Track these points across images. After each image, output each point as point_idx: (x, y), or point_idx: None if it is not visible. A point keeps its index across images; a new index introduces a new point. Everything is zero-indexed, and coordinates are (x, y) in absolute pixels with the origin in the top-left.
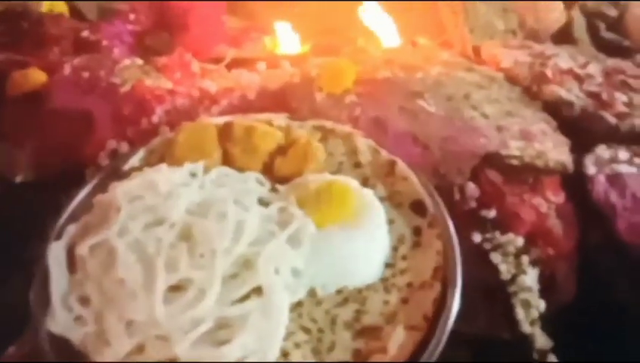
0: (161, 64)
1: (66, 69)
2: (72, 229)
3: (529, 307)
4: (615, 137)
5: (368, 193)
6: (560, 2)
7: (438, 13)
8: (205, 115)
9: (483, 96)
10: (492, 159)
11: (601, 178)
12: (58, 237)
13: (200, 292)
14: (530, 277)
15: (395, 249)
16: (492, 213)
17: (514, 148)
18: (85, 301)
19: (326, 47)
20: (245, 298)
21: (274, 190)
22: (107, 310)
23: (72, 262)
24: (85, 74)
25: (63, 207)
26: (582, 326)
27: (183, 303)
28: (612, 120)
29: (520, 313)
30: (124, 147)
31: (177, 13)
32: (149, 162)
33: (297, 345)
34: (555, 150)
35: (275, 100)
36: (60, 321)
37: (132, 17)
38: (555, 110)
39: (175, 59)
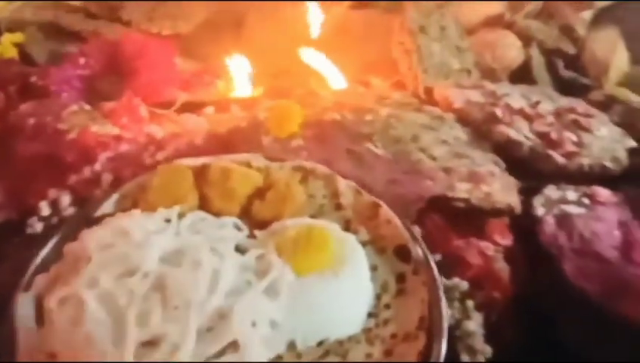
0: (108, 109)
1: (12, 116)
2: (41, 280)
3: (475, 353)
4: (563, 177)
5: (350, 238)
6: (518, 40)
7: (391, 53)
8: (150, 161)
9: (432, 137)
10: (438, 202)
11: (550, 220)
12: (27, 288)
13: (174, 347)
14: (475, 322)
15: (378, 297)
16: (437, 257)
17: (461, 190)
18: (52, 357)
19: (278, 89)
20: (220, 353)
21: (252, 235)
22: None
23: (40, 315)
24: (31, 120)
25: (27, 256)
26: None
27: (156, 360)
28: (560, 160)
29: (465, 358)
30: (65, 196)
31: (128, 57)
32: (122, 207)
33: None
34: (503, 192)
35: (223, 145)
36: None
37: (82, 60)
38: (504, 150)
39: (122, 104)
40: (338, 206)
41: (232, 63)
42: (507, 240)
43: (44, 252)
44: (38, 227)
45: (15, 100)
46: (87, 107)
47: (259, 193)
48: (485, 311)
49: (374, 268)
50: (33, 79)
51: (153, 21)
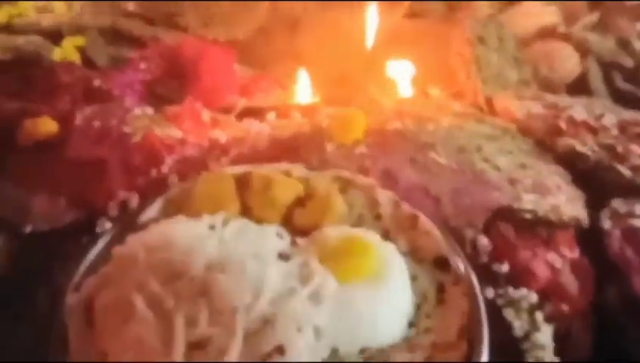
0: (171, 113)
1: (78, 119)
2: (90, 281)
3: None
4: (631, 190)
5: (390, 247)
6: (575, 52)
7: (450, 63)
8: (214, 165)
9: (496, 148)
10: (505, 213)
11: (617, 233)
12: (77, 289)
13: (221, 350)
14: (544, 335)
15: (418, 306)
16: (504, 268)
17: (527, 202)
18: (103, 356)
19: (338, 97)
20: (266, 357)
21: (294, 243)
22: None
23: (90, 316)
24: (97, 123)
25: (81, 258)
26: None
27: (204, 361)
28: (627, 173)
29: None
30: (134, 197)
31: (188, 62)
32: (166, 212)
33: None
34: (569, 204)
35: (285, 150)
36: None
37: (142, 65)
38: (569, 162)
39: (185, 108)
40: (377, 216)
41: (289, 70)
42: (574, 253)
43: (93, 254)
44: (107, 227)
45: (80, 103)
46: (150, 110)
47: (300, 202)
48: (554, 324)
49: (413, 278)
50: (96, 82)
51: (210, 27)
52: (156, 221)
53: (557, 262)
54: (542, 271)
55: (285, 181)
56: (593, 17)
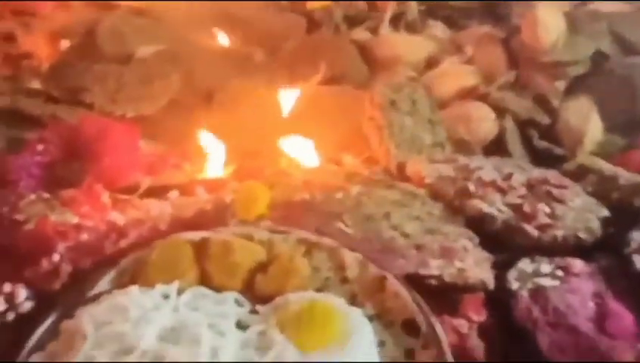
0: (68, 198)
1: None
2: (37, 358)
3: None
4: (537, 249)
5: (356, 312)
6: (492, 112)
7: (363, 128)
8: (111, 250)
9: (404, 214)
10: (411, 281)
11: (524, 294)
12: None
13: None
14: None
15: None
16: None
17: (434, 267)
18: None
19: (248, 170)
20: None
21: (254, 311)
22: None
23: None
24: None
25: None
26: None
27: None
28: (534, 233)
29: None
30: (21, 290)
31: (88, 141)
32: (119, 283)
33: None
34: (477, 267)
35: (188, 230)
36: None
37: (40, 147)
38: (478, 224)
39: (83, 191)
40: (344, 280)
41: (199, 143)
42: (481, 316)
43: (40, 330)
44: None
45: None
46: (46, 195)
47: (262, 266)
48: None
49: (381, 344)
50: None
51: (117, 103)
52: (108, 292)
53: (464, 327)
54: (448, 338)
55: (246, 246)
56: (510, 76)
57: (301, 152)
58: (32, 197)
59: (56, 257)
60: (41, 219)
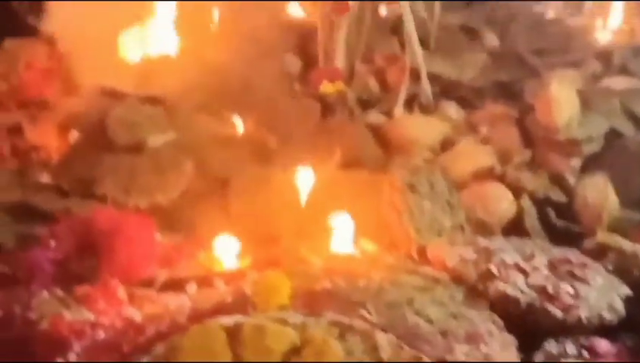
0: (83, 294)
1: None
2: None
3: None
4: (562, 330)
5: None
6: (509, 192)
7: (381, 213)
8: (129, 347)
9: (428, 299)
10: None
11: None
12: None
13: None
14: None
15: None
16: None
17: (460, 353)
18: None
19: (266, 259)
20: None
21: None
22: None
23: None
24: None
25: None
26: None
27: None
28: (559, 314)
29: None
30: None
31: (102, 235)
32: None
33: None
34: (502, 351)
35: None
36: None
37: (52, 243)
38: (502, 307)
39: (98, 287)
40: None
41: (216, 234)
42: None
43: None
44: None
45: None
46: (59, 292)
47: (296, 350)
48: None
49: None
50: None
51: (130, 194)
52: None
53: None
54: None
55: (279, 330)
56: (526, 155)
57: (337, 235)
58: (46, 294)
59: (72, 357)
60: (55, 318)
